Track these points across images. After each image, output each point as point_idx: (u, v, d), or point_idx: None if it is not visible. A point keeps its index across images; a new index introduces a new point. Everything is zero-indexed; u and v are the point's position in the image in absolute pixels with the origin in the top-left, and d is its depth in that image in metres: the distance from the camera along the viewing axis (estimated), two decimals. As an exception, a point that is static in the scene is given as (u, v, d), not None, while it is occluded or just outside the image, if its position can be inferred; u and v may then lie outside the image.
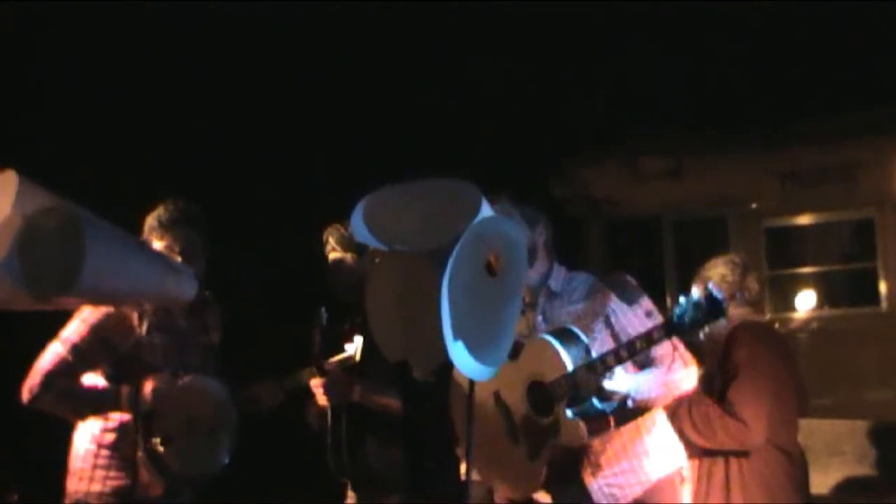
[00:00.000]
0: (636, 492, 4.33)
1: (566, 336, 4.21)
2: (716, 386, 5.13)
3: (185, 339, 4.90)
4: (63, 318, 4.78)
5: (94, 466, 4.73)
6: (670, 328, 3.96)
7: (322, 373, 4.87)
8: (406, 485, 4.82)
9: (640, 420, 4.35)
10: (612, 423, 4.16)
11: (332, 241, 5.01)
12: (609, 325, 4.29)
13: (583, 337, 4.19)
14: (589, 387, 4.08)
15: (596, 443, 4.27)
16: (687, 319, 3.90)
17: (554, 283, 4.45)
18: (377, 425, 4.88)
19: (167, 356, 4.79)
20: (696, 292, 3.92)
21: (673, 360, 4.24)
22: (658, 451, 4.38)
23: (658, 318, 4.14)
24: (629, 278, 4.42)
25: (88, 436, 4.76)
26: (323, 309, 4.95)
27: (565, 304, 4.42)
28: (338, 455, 4.95)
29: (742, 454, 5.07)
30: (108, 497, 4.70)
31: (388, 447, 4.85)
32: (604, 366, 4.06)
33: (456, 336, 3.52)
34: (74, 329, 4.70)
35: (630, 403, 4.14)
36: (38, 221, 4.09)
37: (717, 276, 5.31)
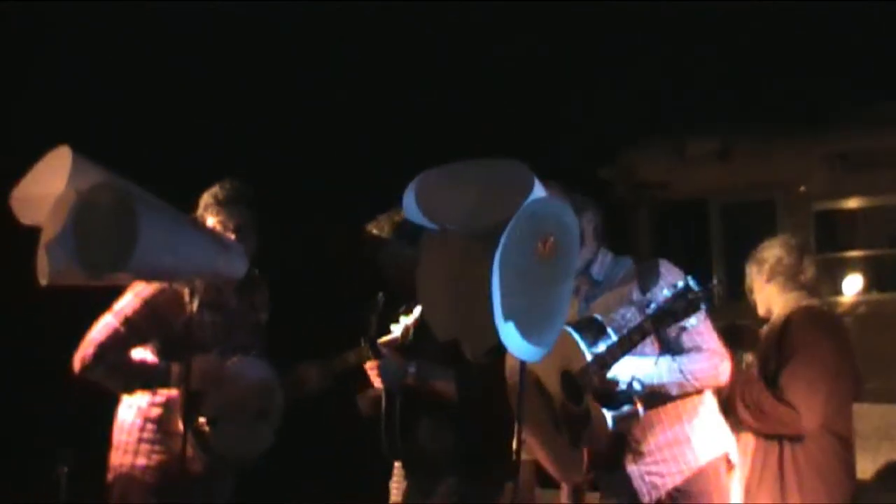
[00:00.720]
0: (676, 480, 4.30)
1: (588, 326, 4.22)
2: (770, 370, 5.10)
3: (234, 318, 4.93)
4: (115, 291, 4.81)
5: (140, 440, 4.76)
6: (655, 319, 3.98)
7: (377, 355, 4.86)
8: (459, 468, 4.81)
9: (681, 407, 4.32)
10: (641, 411, 4.14)
11: (381, 229, 5.01)
12: (642, 312, 4.27)
13: (606, 326, 4.19)
14: (602, 380, 4.09)
15: (637, 430, 4.26)
16: (666, 310, 3.95)
17: (596, 271, 4.45)
18: (431, 408, 4.85)
19: (216, 335, 4.82)
20: (678, 283, 3.94)
21: (696, 350, 4.23)
22: (700, 439, 4.34)
23: (653, 307, 4.12)
24: (662, 264, 4.38)
25: (135, 410, 4.79)
26: (381, 294, 4.98)
27: (606, 291, 4.42)
28: (391, 437, 4.95)
29: (796, 439, 5.04)
30: (152, 471, 4.73)
31: (442, 430, 4.84)
32: (611, 357, 4.06)
33: (507, 317, 3.53)
34: (127, 302, 4.73)
35: (638, 387, 4.10)
36: (92, 198, 4.14)
37: (772, 257, 5.25)
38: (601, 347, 4.10)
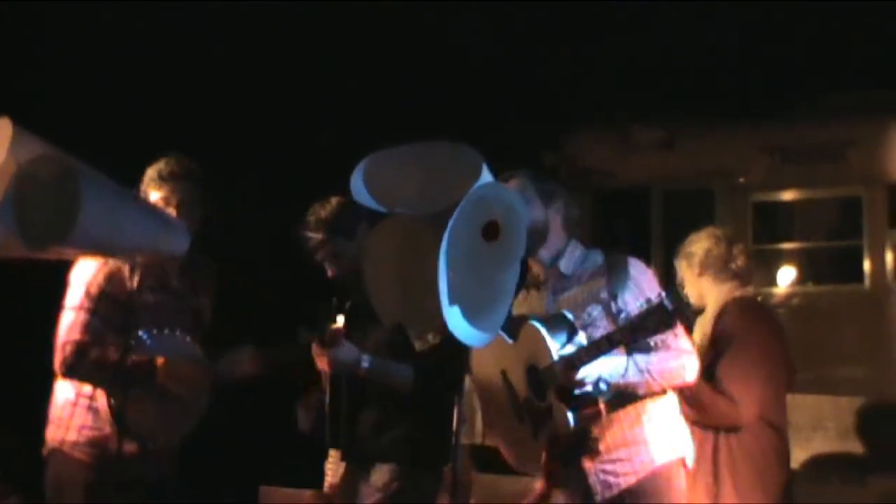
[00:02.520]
0: (630, 481, 4.25)
1: (557, 322, 4.18)
2: (706, 362, 5.13)
3: (175, 300, 4.90)
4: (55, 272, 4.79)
5: (72, 416, 4.76)
6: (626, 331, 3.94)
7: (329, 342, 4.80)
8: (399, 454, 4.80)
9: (640, 407, 4.28)
10: (604, 411, 4.11)
11: (315, 229, 4.95)
12: (609, 311, 4.25)
13: (572, 323, 4.15)
14: (568, 380, 4.05)
15: (596, 428, 4.23)
16: (637, 325, 3.90)
17: (564, 264, 4.39)
18: (375, 397, 4.85)
19: (156, 315, 4.78)
20: (654, 298, 3.89)
21: (664, 349, 4.18)
22: (657, 440, 4.30)
23: (623, 318, 4.10)
24: (632, 264, 4.32)
25: (69, 385, 4.78)
26: (334, 299, 4.96)
27: (574, 285, 4.36)
28: (335, 426, 4.92)
29: (732, 430, 5.07)
30: (82, 447, 4.73)
31: (386, 419, 4.82)
32: (578, 361, 4.01)
33: (452, 301, 3.53)
34: (80, 294, 4.73)
35: (603, 387, 4.06)
36: (33, 170, 4.09)
37: (701, 250, 5.26)
38: (569, 347, 4.07)
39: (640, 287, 4.23)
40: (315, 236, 4.91)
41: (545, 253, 4.39)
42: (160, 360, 4.69)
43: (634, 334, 3.92)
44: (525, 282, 4.52)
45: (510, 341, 4.25)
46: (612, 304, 4.22)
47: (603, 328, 4.18)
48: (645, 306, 3.88)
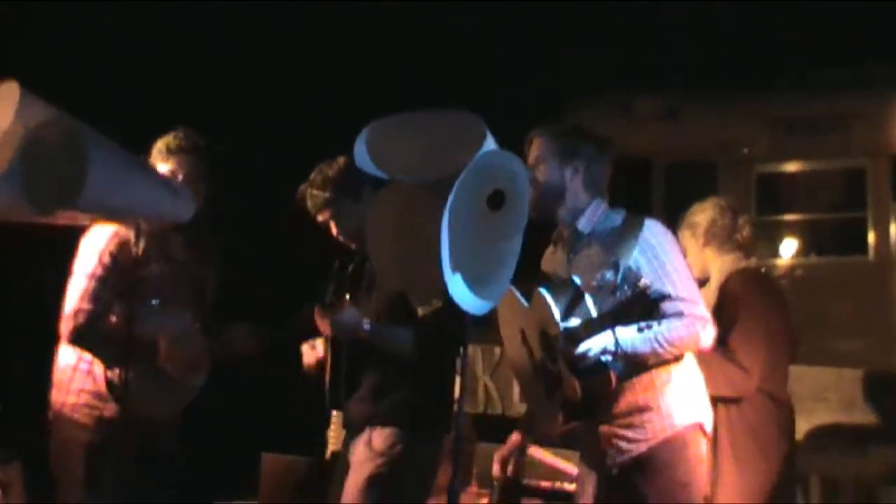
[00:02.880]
0: (641, 448, 4.22)
1: (563, 290, 4.11)
2: None
3: (179, 272, 4.91)
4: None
5: (72, 379, 4.81)
6: (620, 314, 3.94)
7: (328, 305, 4.81)
8: (401, 419, 4.81)
9: (654, 374, 4.23)
10: (613, 380, 4.09)
11: (320, 189, 4.94)
12: (623, 275, 4.18)
13: (580, 289, 4.06)
14: (569, 354, 4.03)
15: (609, 394, 4.18)
16: (628, 309, 3.92)
17: (584, 223, 4.31)
18: (376, 361, 4.85)
19: (160, 287, 4.80)
20: (644, 281, 3.90)
21: (677, 317, 4.11)
22: (672, 407, 4.24)
23: (637, 282, 4.06)
24: (647, 226, 4.20)
25: (70, 349, 4.81)
26: (337, 262, 4.97)
27: (592, 243, 4.25)
28: (335, 388, 4.94)
29: (732, 401, 5.06)
30: (82, 409, 4.79)
31: (388, 383, 4.83)
32: (579, 337, 4.00)
33: (454, 268, 3.53)
34: (92, 261, 4.74)
35: (609, 359, 4.04)
36: (40, 134, 4.09)
37: (706, 220, 5.24)
38: (573, 317, 4.02)
39: (655, 251, 4.16)
40: (320, 194, 4.90)
41: (563, 212, 4.32)
42: (162, 338, 4.73)
43: (629, 315, 3.92)
44: (554, 237, 4.48)
45: (526, 304, 4.21)
46: (629, 267, 4.09)
47: (612, 291, 4.09)
48: (633, 291, 3.87)
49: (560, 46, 10.38)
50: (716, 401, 5.03)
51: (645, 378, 4.23)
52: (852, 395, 7.48)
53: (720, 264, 5.23)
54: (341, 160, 4.91)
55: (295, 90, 9.38)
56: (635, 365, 4.16)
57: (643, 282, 3.97)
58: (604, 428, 4.27)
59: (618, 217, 4.32)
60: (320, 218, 4.96)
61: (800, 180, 9.97)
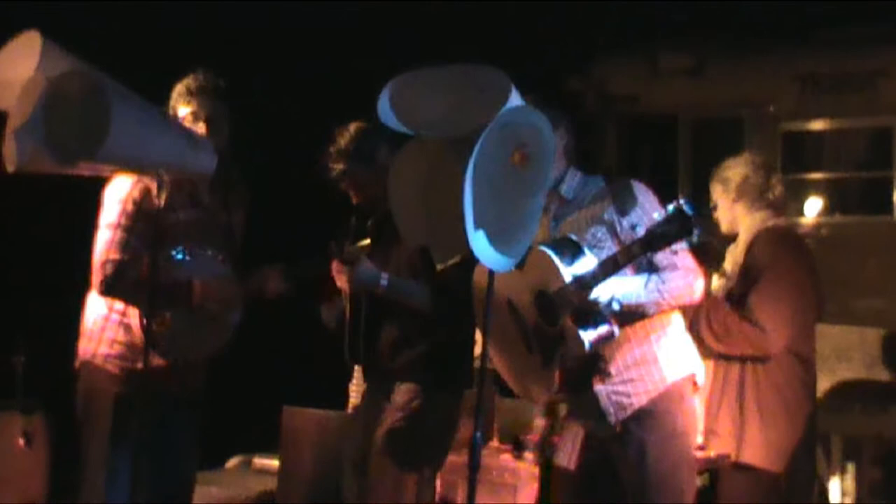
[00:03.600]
0: (642, 401, 4.32)
1: (564, 246, 4.18)
2: (736, 291, 5.11)
3: (206, 216, 4.90)
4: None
5: (104, 329, 4.80)
6: (645, 242, 3.91)
7: (348, 261, 4.81)
8: (421, 373, 4.82)
9: (648, 326, 4.32)
10: (616, 331, 4.13)
11: (338, 157, 4.94)
12: (613, 232, 4.26)
13: (582, 246, 4.16)
14: (582, 300, 4.07)
15: (606, 350, 4.26)
16: (659, 234, 3.86)
17: (566, 189, 4.42)
18: (396, 315, 4.84)
19: (188, 232, 4.79)
20: (670, 206, 3.86)
21: (671, 269, 4.19)
22: (667, 359, 4.35)
23: (639, 230, 4.06)
24: (633, 184, 4.33)
25: (101, 300, 4.81)
26: (353, 219, 5.00)
27: (576, 210, 4.39)
28: (355, 342, 4.95)
29: (758, 360, 5.06)
30: (113, 360, 4.79)
31: (406, 337, 4.84)
32: (594, 279, 4.03)
33: (478, 225, 3.52)
34: (116, 211, 4.72)
35: (616, 307, 4.08)
36: (62, 84, 4.08)
37: (738, 176, 5.23)
38: (578, 268, 4.05)
39: (645, 208, 4.23)
40: (336, 167, 4.93)
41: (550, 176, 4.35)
42: (196, 281, 4.71)
43: (654, 245, 3.89)
44: None
45: (514, 269, 4.22)
46: (620, 223, 4.22)
47: (608, 248, 4.21)
48: (662, 215, 3.85)
49: (584, 1, 10.29)
50: (743, 359, 5.05)
51: (640, 331, 4.31)
52: (874, 354, 7.48)
53: (749, 221, 5.22)
54: (352, 128, 4.93)
55: (316, 38, 9.33)
56: (634, 316, 4.22)
57: (636, 234, 4.02)
58: (599, 387, 4.33)
59: (598, 181, 4.42)
60: (341, 187, 4.96)
61: (826, 138, 9.89)
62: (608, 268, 4.01)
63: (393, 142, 4.32)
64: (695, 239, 3.88)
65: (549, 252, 4.13)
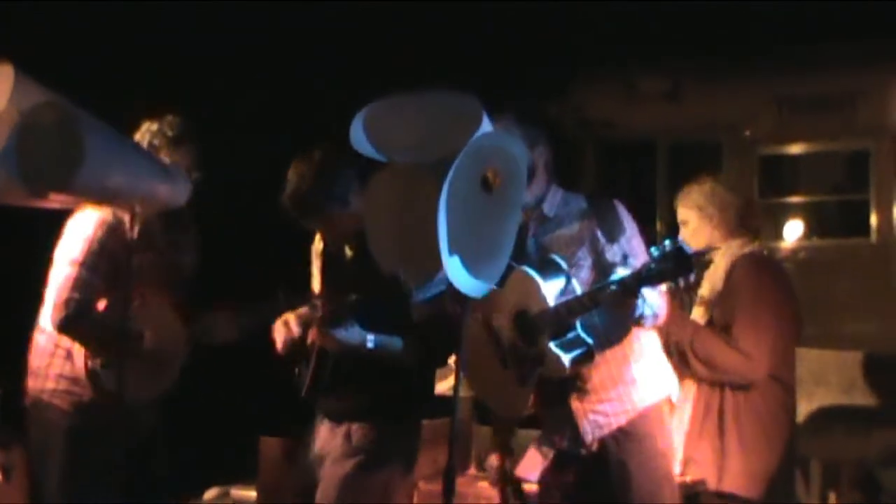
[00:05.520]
0: (620, 421, 4.32)
1: (549, 267, 4.19)
2: (716, 317, 5.09)
3: (159, 257, 4.89)
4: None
5: (49, 365, 4.80)
6: (640, 278, 3.87)
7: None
8: (382, 415, 4.72)
9: (626, 348, 4.33)
10: (595, 355, 4.15)
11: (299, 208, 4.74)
12: (595, 253, 4.25)
13: (565, 268, 4.16)
14: (566, 324, 4.07)
15: (584, 369, 4.25)
16: (655, 272, 3.84)
17: (547, 207, 4.39)
18: (360, 359, 4.70)
19: (143, 274, 4.77)
20: (667, 244, 3.83)
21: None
22: (646, 380, 4.36)
23: (631, 262, 4.05)
24: (617, 206, 4.32)
25: (46, 335, 4.82)
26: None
27: (556, 228, 4.36)
28: (315, 390, 4.80)
29: (740, 387, 5.05)
30: (60, 394, 4.78)
31: (368, 379, 4.70)
32: (581, 306, 4.03)
33: (452, 250, 3.50)
34: (80, 248, 4.70)
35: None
36: (35, 117, 4.07)
37: (718, 202, 5.17)
38: (558, 289, 4.06)
39: (630, 235, 4.25)
40: (307, 209, 4.70)
41: (528, 196, 4.30)
42: (147, 332, 4.73)
43: (651, 280, 3.87)
44: None
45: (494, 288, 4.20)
46: (607, 248, 4.20)
47: (586, 268, 4.21)
48: (659, 251, 3.82)
49: (561, 24, 10.32)
50: (723, 385, 5.04)
51: (618, 352, 4.30)
52: (853, 377, 7.48)
53: (727, 247, 5.20)
54: (317, 164, 4.65)
55: (276, 68, 9.29)
56: (609, 339, 4.21)
57: (630, 265, 4.02)
58: (577, 405, 4.32)
59: (580, 200, 4.40)
60: (308, 226, 4.85)
61: (802, 162, 9.92)
62: (599, 297, 3.98)
63: (362, 177, 4.33)
64: (691, 279, 3.89)
65: (532, 274, 4.13)
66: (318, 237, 4.96)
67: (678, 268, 3.81)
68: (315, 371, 4.76)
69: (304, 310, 4.81)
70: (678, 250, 3.79)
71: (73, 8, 7.44)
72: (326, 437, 4.82)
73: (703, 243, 5.14)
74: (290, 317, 4.77)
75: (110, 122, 4.27)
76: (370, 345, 4.61)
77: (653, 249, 3.89)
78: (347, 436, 4.72)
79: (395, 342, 4.67)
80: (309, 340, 4.75)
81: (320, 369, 4.75)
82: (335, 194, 4.64)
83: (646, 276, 3.86)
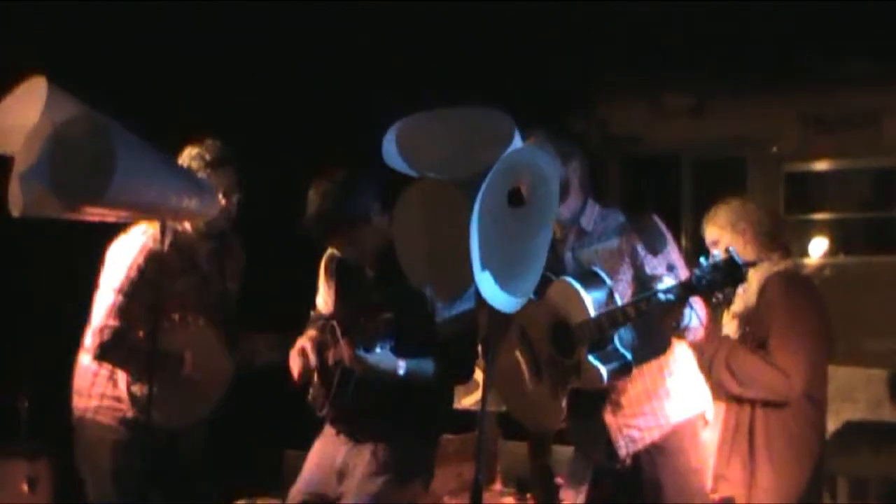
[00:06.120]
0: (654, 436, 4.29)
1: (590, 279, 4.15)
2: (749, 335, 5.07)
3: (203, 283, 4.91)
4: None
5: (93, 384, 4.82)
6: (689, 287, 3.86)
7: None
8: (405, 433, 4.67)
9: (662, 361, 4.30)
10: (632, 368, 4.11)
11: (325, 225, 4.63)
12: (634, 267, 4.24)
13: (607, 280, 4.12)
14: (606, 335, 4.05)
15: (619, 383, 4.23)
16: (705, 282, 3.81)
17: (585, 221, 4.36)
18: (383, 385, 4.60)
19: (186, 300, 4.81)
20: (717, 254, 3.82)
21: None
22: (680, 395, 4.33)
23: (678, 272, 4.04)
24: (657, 221, 4.28)
25: (90, 357, 4.82)
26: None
27: (594, 242, 4.33)
28: (338, 403, 4.73)
29: (771, 405, 5.03)
30: (105, 411, 4.80)
31: (392, 400, 4.61)
32: (624, 317, 3.99)
33: (484, 266, 3.50)
34: (121, 275, 4.71)
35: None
36: (68, 130, 4.09)
37: (751, 221, 5.13)
38: (596, 296, 4.05)
39: (673, 247, 4.23)
40: (330, 228, 4.62)
41: (564, 211, 4.30)
42: (187, 354, 4.76)
43: (699, 289, 3.85)
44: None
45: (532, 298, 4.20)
46: (649, 261, 4.17)
47: (626, 282, 4.18)
48: (709, 261, 3.81)
49: (588, 41, 10.32)
50: (753, 403, 5.02)
51: (654, 366, 4.28)
52: (880, 394, 7.43)
53: (759, 264, 5.18)
54: (338, 184, 4.58)
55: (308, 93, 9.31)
56: (648, 352, 4.19)
57: (660, 271, 4.02)
58: (611, 419, 4.30)
59: (618, 215, 4.38)
60: (332, 245, 4.80)
61: (829, 178, 9.91)
62: (643, 307, 3.95)
63: (381, 194, 4.37)
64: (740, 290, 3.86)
65: (575, 284, 4.11)
66: (327, 254, 4.91)
67: (729, 277, 3.79)
68: (337, 391, 4.73)
69: (314, 332, 4.80)
70: (730, 259, 3.78)
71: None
72: (349, 454, 4.80)
73: None
74: (307, 344, 4.74)
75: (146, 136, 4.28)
76: (401, 371, 4.50)
77: (701, 259, 3.88)
78: (374, 454, 4.70)
79: (426, 366, 4.56)
80: (331, 361, 4.72)
81: (342, 388, 4.71)
82: (358, 210, 4.59)
83: (696, 285, 3.84)
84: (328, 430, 4.88)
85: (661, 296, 3.89)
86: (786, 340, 4.94)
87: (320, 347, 4.74)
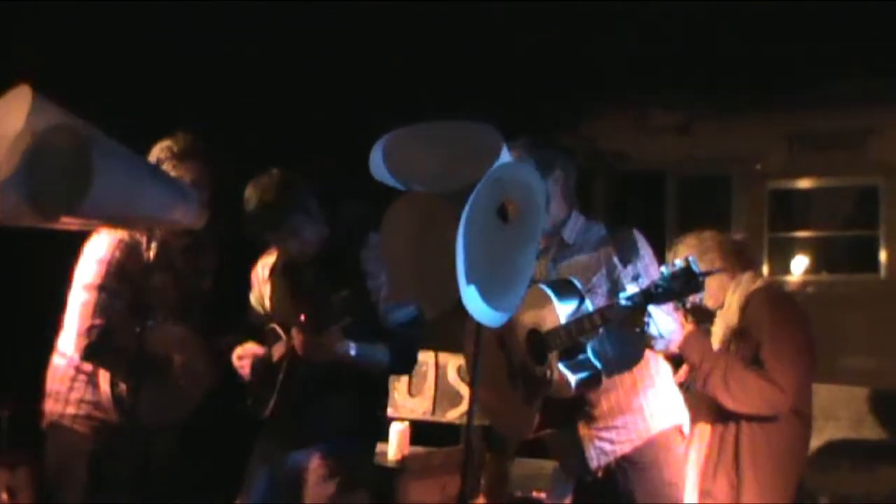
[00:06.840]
0: (626, 449, 4.28)
1: (564, 288, 4.15)
2: (737, 352, 5.08)
3: (178, 280, 4.88)
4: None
5: (70, 389, 4.74)
6: (648, 295, 3.84)
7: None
8: (352, 433, 4.67)
9: (636, 375, 4.30)
10: (602, 379, 4.09)
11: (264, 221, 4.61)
12: (611, 280, 4.25)
13: (581, 289, 4.13)
14: (576, 344, 4.03)
15: (592, 394, 4.23)
16: (662, 290, 3.81)
17: (568, 233, 4.36)
18: (327, 378, 4.59)
19: (163, 297, 4.75)
20: (677, 262, 3.80)
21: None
22: (653, 409, 4.32)
23: (643, 282, 4.03)
24: (636, 234, 4.27)
25: (66, 359, 4.76)
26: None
27: (575, 253, 4.33)
28: (284, 401, 4.67)
29: (757, 420, 5.04)
30: (81, 419, 4.72)
31: (334, 399, 4.62)
32: (591, 324, 3.97)
33: (469, 280, 3.51)
34: (95, 272, 4.65)
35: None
36: (48, 139, 4.06)
37: (716, 245, 5.14)
38: (572, 310, 4.04)
39: (646, 260, 4.21)
40: (274, 222, 4.60)
41: (546, 221, 4.26)
42: (175, 351, 4.72)
43: (658, 297, 3.85)
44: None
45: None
46: (622, 272, 4.17)
47: (601, 295, 4.17)
48: (669, 270, 3.81)
49: (573, 57, 10.35)
50: (738, 419, 5.03)
51: (627, 379, 4.28)
52: (862, 412, 7.46)
53: (734, 285, 5.19)
54: (276, 180, 4.58)
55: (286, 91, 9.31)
56: (619, 364, 4.18)
57: (640, 285, 3.95)
58: (584, 430, 4.30)
59: (601, 228, 4.38)
60: (273, 243, 4.79)
61: (813, 196, 9.96)
62: (608, 314, 3.94)
63: (315, 192, 4.45)
64: (698, 299, 3.87)
65: (548, 291, 4.11)
66: (261, 262, 4.91)
67: (686, 286, 3.79)
68: (282, 391, 4.67)
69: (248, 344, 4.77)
70: (688, 268, 3.77)
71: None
72: (300, 458, 4.75)
73: (713, 293, 5.14)
74: (247, 348, 4.73)
75: (109, 126, 4.25)
76: (352, 351, 4.46)
77: (663, 268, 3.88)
78: (324, 457, 4.68)
79: (377, 353, 4.54)
80: (275, 358, 4.70)
81: (287, 390, 4.66)
82: (298, 200, 4.58)
83: (654, 293, 3.84)
84: (266, 439, 4.83)
85: (623, 302, 3.91)
86: (779, 355, 4.94)
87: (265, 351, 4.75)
